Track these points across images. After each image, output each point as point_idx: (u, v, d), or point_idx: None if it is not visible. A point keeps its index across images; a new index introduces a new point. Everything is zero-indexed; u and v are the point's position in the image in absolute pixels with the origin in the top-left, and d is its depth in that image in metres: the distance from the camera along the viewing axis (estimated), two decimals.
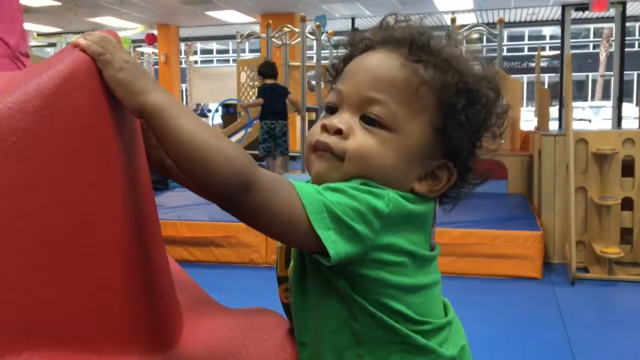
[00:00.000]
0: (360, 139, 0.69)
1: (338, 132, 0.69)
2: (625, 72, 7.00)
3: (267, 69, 5.86)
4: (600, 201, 3.36)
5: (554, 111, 8.90)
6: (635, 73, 18.22)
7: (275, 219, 0.63)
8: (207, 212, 3.85)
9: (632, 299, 2.92)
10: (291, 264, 0.75)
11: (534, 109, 6.94)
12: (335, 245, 0.62)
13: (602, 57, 17.67)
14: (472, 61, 0.73)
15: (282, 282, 0.79)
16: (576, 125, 3.94)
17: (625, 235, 3.45)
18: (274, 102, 5.78)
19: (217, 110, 10.57)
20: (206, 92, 13.90)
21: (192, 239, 3.47)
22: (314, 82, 8.12)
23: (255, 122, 7.71)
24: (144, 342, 0.61)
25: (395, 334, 0.69)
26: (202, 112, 19.23)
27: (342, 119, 0.70)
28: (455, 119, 0.69)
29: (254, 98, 7.24)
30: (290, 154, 8.15)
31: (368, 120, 0.69)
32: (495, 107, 0.72)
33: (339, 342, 0.70)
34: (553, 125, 6.79)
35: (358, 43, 0.75)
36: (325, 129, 0.70)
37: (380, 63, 0.71)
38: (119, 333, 0.57)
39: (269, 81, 5.82)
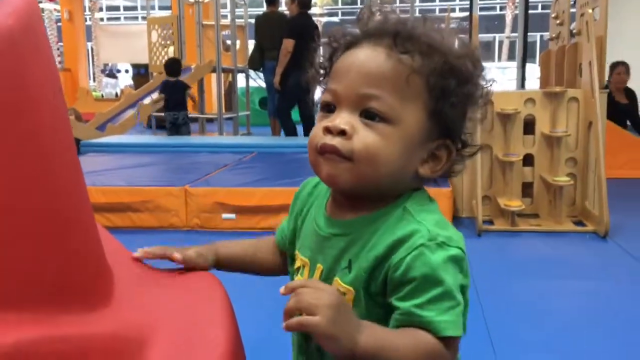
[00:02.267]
0: (364, 137, 0.71)
1: (342, 133, 0.71)
2: (528, 34, 7.33)
3: (174, 66, 6.71)
4: (504, 158, 3.57)
5: None
6: (538, 35, 19.12)
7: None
8: (123, 177, 3.76)
9: (532, 248, 3.17)
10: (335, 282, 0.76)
11: None
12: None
13: (508, 19, 18.35)
14: (451, 39, 0.75)
15: None
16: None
17: (527, 189, 3.70)
18: (176, 96, 6.67)
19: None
20: (114, 51, 13.29)
21: (109, 205, 3.38)
22: (229, 42, 7.97)
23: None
24: (75, 302, 0.63)
25: None
26: (111, 72, 18.40)
27: (343, 119, 0.72)
28: (447, 99, 0.73)
29: (165, 58, 7.53)
30: (207, 116, 8.07)
31: (368, 115, 0.72)
32: (480, 80, 0.76)
33: None
34: None
35: (340, 39, 0.77)
36: (328, 130, 0.72)
37: (368, 59, 0.73)
38: (51, 294, 0.59)
39: (172, 78, 6.66)
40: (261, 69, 6.83)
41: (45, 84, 0.57)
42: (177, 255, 0.84)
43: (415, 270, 0.68)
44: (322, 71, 0.79)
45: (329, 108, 0.75)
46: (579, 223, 3.54)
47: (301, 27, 5.67)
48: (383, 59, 0.72)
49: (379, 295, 0.72)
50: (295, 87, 5.61)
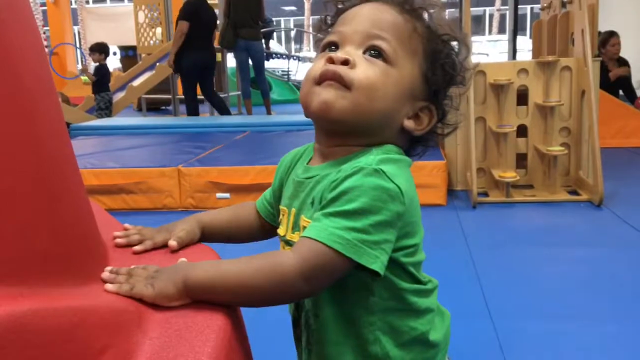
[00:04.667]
0: (366, 69, 0.74)
1: (345, 62, 0.74)
2: (519, 6, 7.28)
3: (105, 50, 7.02)
4: (497, 129, 3.56)
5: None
6: (529, 7, 19.00)
7: (331, 278, 0.69)
8: (115, 158, 3.74)
9: (527, 218, 3.18)
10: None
11: None
12: (381, 264, 0.68)
13: None
14: (446, 18, 0.82)
15: (288, 245, 0.80)
16: (475, 59, 4.09)
17: (520, 161, 3.70)
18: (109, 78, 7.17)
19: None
20: (101, 34, 13.09)
21: (102, 187, 3.36)
22: (218, 22, 7.86)
23: (157, 65, 7.42)
24: (67, 275, 0.61)
25: (404, 302, 0.77)
26: None
27: (347, 52, 0.75)
28: (439, 64, 0.79)
29: (153, 41, 7.73)
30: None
31: (372, 53, 0.76)
32: (465, 62, 0.82)
33: (351, 313, 0.76)
34: None
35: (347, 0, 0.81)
36: (330, 61, 0.75)
37: (379, 9, 0.78)
38: (41, 266, 0.57)
39: (104, 61, 7.01)
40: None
41: (26, 45, 0.55)
42: (173, 243, 0.82)
43: (341, 185, 0.69)
44: (325, 24, 0.83)
45: (330, 48, 0.78)
46: (573, 192, 3.55)
47: (197, 10, 5.88)
48: (391, 12, 0.78)
49: None
50: (190, 68, 5.91)
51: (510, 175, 3.45)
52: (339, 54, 0.75)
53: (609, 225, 2.96)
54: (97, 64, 6.94)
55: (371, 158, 0.72)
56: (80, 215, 0.64)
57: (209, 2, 6.24)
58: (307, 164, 0.83)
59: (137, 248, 0.81)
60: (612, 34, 5.89)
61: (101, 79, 6.83)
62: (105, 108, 6.84)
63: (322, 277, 0.68)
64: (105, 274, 0.67)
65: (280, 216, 0.84)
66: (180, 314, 0.66)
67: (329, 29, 0.82)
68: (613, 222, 2.99)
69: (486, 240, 2.77)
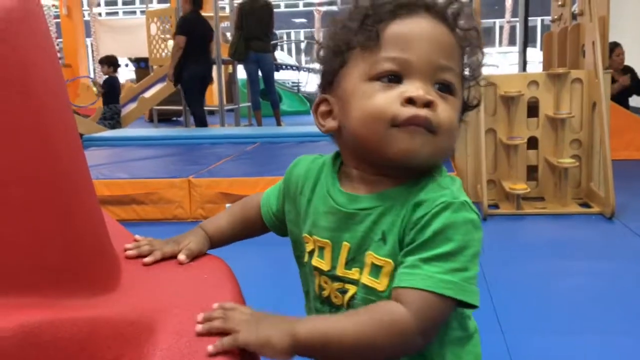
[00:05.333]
0: (446, 110, 0.70)
1: (428, 104, 0.68)
2: (529, 18, 7.28)
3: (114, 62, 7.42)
4: (508, 141, 3.55)
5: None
6: (539, 19, 19.00)
7: (442, 324, 0.69)
8: (126, 169, 3.76)
9: (538, 231, 3.16)
10: (365, 272, 0.73)
11: None
12: (478, 297, 0.68)
13: (508, 3, 18.22)
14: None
15: (337, 281, 0.76)
16: (485, 71, 4.08)
17: (531, 173, 3.68)
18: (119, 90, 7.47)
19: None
20: (114, 46, 13.21)
21: (113, 198, 3.38)
22: (228, 34, 7.93)
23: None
24: (80, 286, 0.62)
25: (465, 328, 0.77)
26: None
27: (425, 90, 0.69)
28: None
29: (164, 53, 7.71)
30: (208, 108, 8.08)
31: (442, 87, 0.70)
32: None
33: (425, 351, 0.73)
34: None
35: (379, 7, 0.72)
36: (410, 101, 0.68)
37: (436, 31, 0.71)
38: (54, 277, 0.58)
39: (114, 74, 7.41)
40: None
41: (44, 63, 0.56)
42: (183, 258, 0.81)
43: (432, 225, 0.67)
44: (364, 37, 0.71)
45: (391, 78, 0.70)
46: (584, 205, 3.52)
47: (192, 24, 6.01)
48: (447, 33, 0.72)
49: None
50: (191, 80, 6.07)
51: (521, 187, 3.43)
52: (421, 93, 0.68)
53: (621, 237, 2.93)
54: (107, 76, 7.05)
55: (449, 191, 0.69)
56: (93, 227, 0.65)
57: (220, 15, 6.32)
58: (342, 187, 0.77)
59: (146, 260, 0.81)
60: (616, 45, 5.91)
61: (110, 91, 6.94)
62: (110, 118, 6.94)
63: (436, 328, 0.68)
64: (201, 315, 0.65)
65: (311, 247, 0.78)
66: (192, 327, 0.66)
67: (370, 42, 0.71)
68: (625, 234, 2.96)
69: (497, 253, 2.75)
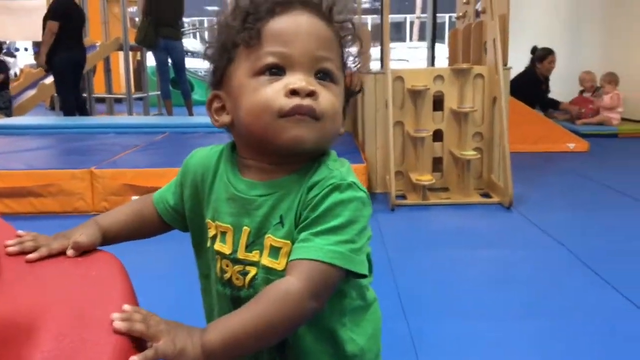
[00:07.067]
0: (327, 97, 0.75)
1: (311, 94, 0.73)
2: (437, 15, 7.52)
3: None
4: (415, 134, 3.65)
5: (376, 52, 9.35)
6: (447, 15, 19.67)
7: (332, 291, 0.73)
8: (22, 160, 3.55)
9: (442, 220, 3.28)
10: (265, 254, 0.77)
11: None
12: (366, 267, 0.75)
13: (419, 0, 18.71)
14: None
15: (238, 263, 0.78)
16: (395, 65, 4.19)
17: (437, 164, 3.82)
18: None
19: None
20: (12, 29, 12.42)
21: (7, 190, 3.17)
22: (137, 19, 7.63)
23: None
24: None
25: (364, 298, 0.84)
26: (9, 51, 17.21)
27: (306, 80, 0.74)
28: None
29: None
30: (115, 96, 7.77)
31: (322, 76, 0.75)
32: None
33: (326, 320, 0.79)
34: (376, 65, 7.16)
35: (260, 5, 0.76)
36: (294, 93, 0.73)
37: (314, 24, 0.76)
38: None
39: None
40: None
41: None
42: (71, 252, 0.78)
43: (323, 204, 0.72)
44: (248, 36, 0.75)
45: (274, 71, 0.74)
46: (485, 195, 3.69)
47: (66, 9, 5.90)
48: (324, 26, 0.77)
49: None
50: (63, 66, 5.93)
51: (426, 178, 3.55)
52: (304, 85, 0.73)
53: (518, 226, 3.10)
54: None
55: (337, 172, 0.75)
56: None
57: None
58: (242, 175, 0.80)
59: (30, 256, 0.76)
60: (550, 52, 6.31)
61: None
62: (4, 107, 6.51)
63: (327, 292, 0.71)
64: (117, 314, 0.62)
65: (213, 232, 0.81)
66: (76, 327, 0.62)
67: (253, 40, 0.75)
68: (521, 223, 3.13)
69: (403, 242, 2.83)
